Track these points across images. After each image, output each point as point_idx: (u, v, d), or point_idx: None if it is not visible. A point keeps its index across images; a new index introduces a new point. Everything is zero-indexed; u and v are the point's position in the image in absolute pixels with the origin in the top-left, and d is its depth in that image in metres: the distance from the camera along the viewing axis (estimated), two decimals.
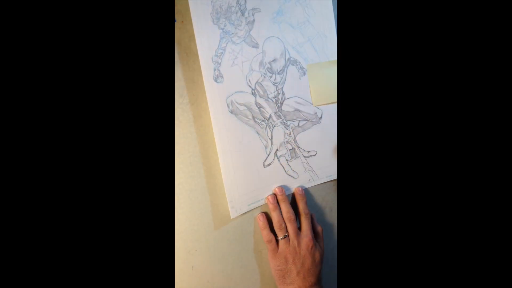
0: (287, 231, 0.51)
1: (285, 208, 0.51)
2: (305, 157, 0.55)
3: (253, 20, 0.49)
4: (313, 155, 0.55)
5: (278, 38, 0.51)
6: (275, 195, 0.52)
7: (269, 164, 0.51)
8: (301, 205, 0.53)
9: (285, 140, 0.53)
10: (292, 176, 0.54)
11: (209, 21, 0.45)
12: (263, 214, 0.52)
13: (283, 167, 0.53)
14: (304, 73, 0.54)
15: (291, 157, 0.54)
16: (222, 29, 0.46)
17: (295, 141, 0.54)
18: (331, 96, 0.56)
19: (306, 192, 0.56)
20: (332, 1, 0.55)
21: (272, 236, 0.51)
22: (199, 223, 0.47)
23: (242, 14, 0.48)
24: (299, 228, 0.52)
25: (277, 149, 0.52)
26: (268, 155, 0.51)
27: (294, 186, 0.54)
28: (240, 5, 0.47)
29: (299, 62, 0.53)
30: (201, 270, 0.48)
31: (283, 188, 0.52)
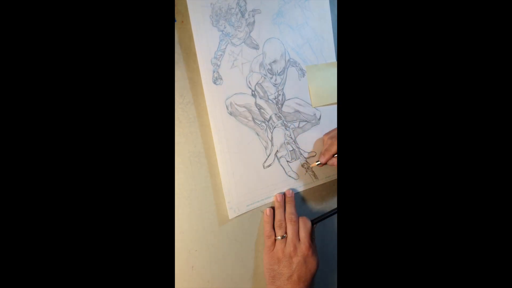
0: (286, 233, 0.51)
1: (289, 209, 0.52)
2: (305, 158, 0.55)
3: (254, 22, 0.49)
4: (313, 156, 0.56)
5: (279, 39, 0.52)
6: (284, 194, 0.53)
7: (269, 165, 0.52)
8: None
9: (286, 141, 0.53)
10: (292, 177, 0.54)
11: (208, 23, 0.45)
12: (271, 209, 0.52)
13: (283, 168, 0.53)
14: (304, 74, 0.54)
15: (292, 158, 0.54)
16: (222, 31, 0.46)
17: (295, 142, 0.54)
18: (330, 98, 0.56)
19: (306, 193, 0.56)
20: (330, 4, 0.55)
21: (272, 232, 0.51)
22: (199, 223, 0.48)
23: (242, 16, 0.48)
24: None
25: (277, 150, 0.52)
26: (268, 156, 0.52)
27: (294, 187, 0.54)
28: (240, 7, 0.48)
29: (299, 64, 0.54)
30: (201, 270, 0.49)
31: (292, 191, 0.54)
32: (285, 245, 0.50)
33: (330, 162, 0.52)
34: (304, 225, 0.51)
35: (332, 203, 0.59)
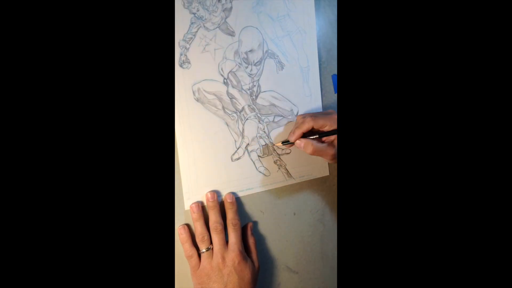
0: (211, 243, 0.45)
1: (213, 217, 0.45)
2: (278, 154, 0.52)
3: (231, 7, 0.47)
4: (287, 153, 0.53)
5: (257, 28, 0.50)
6: (199, 203, 0.46)
7: (237, 159, 0.49)
8: (229, 215, 0.47)
9: (258, 135, 0.51)
10: (263, 174, 0.51)
11: (179, 4, 0.43)
12: (185, 226, 0.46)
13: (254, 163, 0.51)
14: (282, 67, 0.52)
15: (264, 154, 0.51)
16: (194, 14, 0.45)
17: (268, 137, 0.52)
18: None
19: (277, 191, 0.53)
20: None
21: (193, 251, 0.45)
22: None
23: (219, 0, 0.46)
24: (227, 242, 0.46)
25: (248, 144, 0.50)
26: (238, 149, 0.49)
27: (265, 183, 0.52)
28: None
29: (277, 56, 0.51)
30: None
31: (215, 193, 0.47)
32: (212, 257, 0.44)
33: (297, 143, 0.47)
34: (232, 230, 0.46)
35: (332, 203, 0.56)
